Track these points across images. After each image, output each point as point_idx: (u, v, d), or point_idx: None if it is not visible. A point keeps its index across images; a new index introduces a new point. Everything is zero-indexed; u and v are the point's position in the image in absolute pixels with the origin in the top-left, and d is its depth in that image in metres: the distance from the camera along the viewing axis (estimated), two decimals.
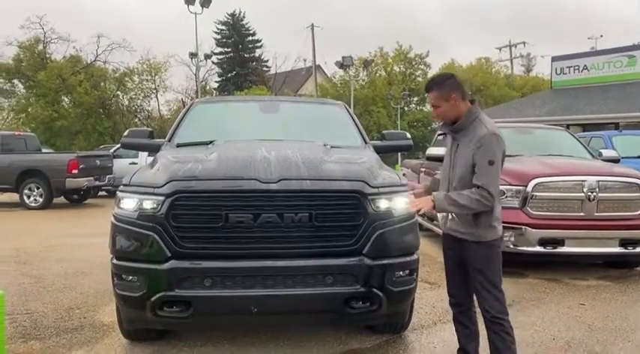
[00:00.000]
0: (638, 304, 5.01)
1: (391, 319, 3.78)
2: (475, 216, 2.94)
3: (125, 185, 3.47)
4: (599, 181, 5.80)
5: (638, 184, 5.91)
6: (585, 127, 20.12)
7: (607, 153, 7.69)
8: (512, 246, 5.71)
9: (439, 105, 2.97)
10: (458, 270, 3.13)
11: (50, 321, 4.46)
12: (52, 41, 33.77)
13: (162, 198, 3.21)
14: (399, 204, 3.38)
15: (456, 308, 3.23)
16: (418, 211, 3.05)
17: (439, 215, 3.21)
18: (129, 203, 3.34)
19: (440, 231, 3.42)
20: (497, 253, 3.01)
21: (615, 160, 7.39)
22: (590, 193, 5.73)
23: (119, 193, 3.46)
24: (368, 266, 3.24)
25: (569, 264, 6.46)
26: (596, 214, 5.77)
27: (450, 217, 3.09)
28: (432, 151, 6.73)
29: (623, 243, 5.78)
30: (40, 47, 33.61)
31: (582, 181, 5.80)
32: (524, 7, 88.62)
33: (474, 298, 3.13)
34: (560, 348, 3.90)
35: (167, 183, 3.26)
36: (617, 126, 18.73)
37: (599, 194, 5.75)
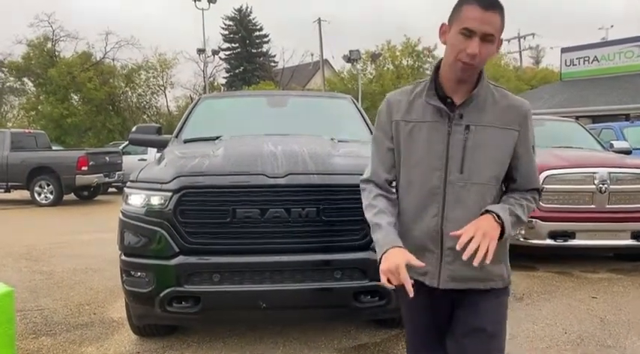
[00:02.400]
0: None
1: (400, 313, 3.76)
2: (502, 245, 1.86)
3: (132, 181, 3.47)
4: (610, 173, 5.73)
5: None
6: (595, 118, 19.92)
7: (618, 144, 7.61)
8: (522, 239, 5.67)
9: (493, 39, 1.73)
10: (435, 342, 1.99)
11: (61, 317, 4.49)
12: (61, 39, 33.97)
13: (169, 194, 3.21)
14: None
15: None
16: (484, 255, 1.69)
17: (409, 282, 1.72)
18: (136, 199, 3.34)
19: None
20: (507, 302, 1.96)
21: (627, 152, 7.32)
22: (601, 185, 5.67)
23: (126, 190, 3.46)
24: (376, 260, 3.21)
25: (579, 257, 6.41)
26: (607, 206, 5.71)
27: (450, 256, 1.83)
28: None
29: (635, 235, 5.71)
30: (49, 45, 33.77)
31: (593, 173, 5.74)
32: None
33: None
34: (571, 342, 3.86)
35: (174, 179, 3.25)
36: (627, 117, 18.52)
37: (611, 186, 5.69)
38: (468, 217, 1.77)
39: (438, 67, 1.87)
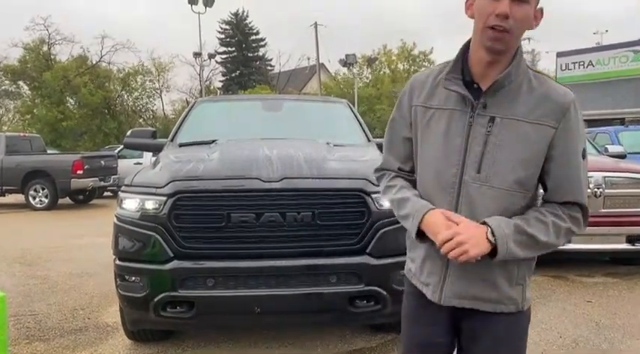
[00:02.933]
0: None
1: (396, 318, 3.70)
2: (518, 264, 1.59)
3: (127, 186, 3.46)
4: (605, 177, 5.75)
5: None
6: (591, 122, 20.01)
7: (613, 149, 7.64)
8: None
9: (529, 1, 1.45)
10: None
11: (54, 322, 4.46)
12: (57, 42, 33.93)
13: (164, 198, 3.19)
14: None
15: None
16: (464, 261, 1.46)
17: (426, 272, 1.67)
18: (131, 204, 3.33)
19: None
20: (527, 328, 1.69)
21: (622, 156, 7.33)
22: (596, 190, 5.68)
23: (121, 194, 3.45)
24: (372, 265, 3.21)
25: (575, 261, 6.42)
26: (602, 210, 5.72)
27: (457, 270, 1.57)
28: None
29: (630, 239, 5.72)
30: (45, 48, 33.73)
31: (589, 177, 5.74)
32: None
33: None
34: (567, 346, 3.86)
35: (169, 183, 3.24)
36: (622, 121, 18.62)
37: (606, 190, 5.70)
38: (479, 219, 1.50)
39: (467, 47, 1.57)
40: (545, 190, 1.59)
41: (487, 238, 1.45)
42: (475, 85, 1.54)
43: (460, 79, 1.55)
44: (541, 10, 1.52)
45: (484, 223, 1.48)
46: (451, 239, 1.44)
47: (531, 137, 1.49)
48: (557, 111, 1.49)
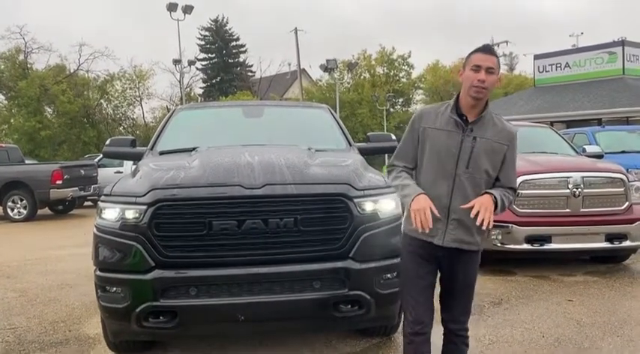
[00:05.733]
0: (626, 299, 5.04)
1: (381, 322, 3.75)
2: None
3: (107, 195, 3.42)
4: (583, 177, 5.84)
5: (621, 179, 5.96)
6: (569, 123, 20.34)
7: (590, 149, 7.76)
8: (499, 244, 5.72)
9: (494, 71, 2.53)
10: (430, 291, 2.72)
11: (34, 335, 4.37)
12: (34, 51, 33.44)
13: (144, 207, 3.16)
14: (385, 206, 3.36)
15: (420, 337, 2.66)
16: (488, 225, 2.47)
17: (431, 222, 2.50)
18: (111, 213, 3.29)
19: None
20: None
21: (599, 156, 7.45)
22: (575, 190, 5.76)
23: (100, 204, 3.41)
24: (355, 270, 3.21)
25: (556, 260, 6.50)
26: (581, 210, 5.81)
27: (453, 225, 2.59)
28: None
29: (609, 238, 5.82)
30: (21, 57, 33.23)
31: (567, 177, 5.83)
32: (506, 5, 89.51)
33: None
34: (549, 345, 3.90)
35: (149, 192, 3.21)
36: (600, 122, 18.94)
37: (584, 190, 5.79)
38: (468, 198, 2.52)
39: (458, 95, 2.64)
40: (497, 180, 2.65)
41: (493, 201, 2.51)
42: (464, 117, 2.60)
43: (456, 113, 2.61)
44: (500, 76, 2.62)
45: (486, 192, 2.54)
46: (479, 211, 2.46)
47: (495, 150, 2.61)
48: (508, 137, 2.64)
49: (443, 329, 2.79)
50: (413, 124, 2.71)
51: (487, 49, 2.58)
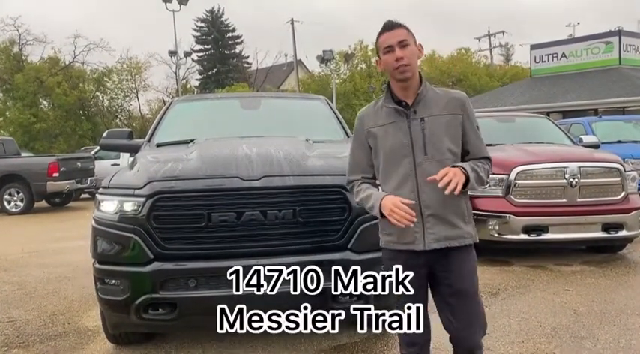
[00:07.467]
0: (622, 288, 5.07)
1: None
2: (466, 205, 2.37)
3: (105, 187, 3.41)
4: (580, 167, 5.86)
5: (618, 168, 5.98)
6: (565, 114, 20.34)
7: (587, 139, 7.77)
8: (496, 235, 5.74)
9: (408, 43, 2.29)
10: (424, 297, 2.44)
11: (34, 328, 4.38)
12: (28, 43, 33.25)
13: (142, 199, 3.16)
14: None
15: (414, 347, 2.44)
16: (453, 190, 2.13)
17: (411, 211, 2.22)
18: (109, 206, 3.29)
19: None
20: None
21: (595, 146, 7.47)
22: (571, 180, 5.79)
23: (99, 196, 3.40)
24: (354, 260, 3.22)
25: (553, 250, 6.53)
26: (578, 200, 5.83)
27: (430, 222, 2.30)
28: None
29: (606, 227, 5.86)
30: (16, 49, 33.03)
31: (564, 167, 5.85)
32: None
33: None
34: (546, 334, 3.93)
35: (147, 184, 3.20)
36: (596, 112, 18.94)
37: (581, 180, 5.81)
38: (437, 186, 2.18)
39: (389, 83, 2.42)
40: (467, 153, 2.39)
41: (463, 172, 2.21)
42: (404, 103, 2.36)
43: (392, 101, 2.38)
44: (420, 45, 2.37)
45: (455, 166, 2.22)
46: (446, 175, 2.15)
47: (450, 123, 2.34)
48: (459, 104, 2.37)
49: (453, 350, 2.45)
50: (356, 131, 2.50)
51: (389, 26, 2.34)
